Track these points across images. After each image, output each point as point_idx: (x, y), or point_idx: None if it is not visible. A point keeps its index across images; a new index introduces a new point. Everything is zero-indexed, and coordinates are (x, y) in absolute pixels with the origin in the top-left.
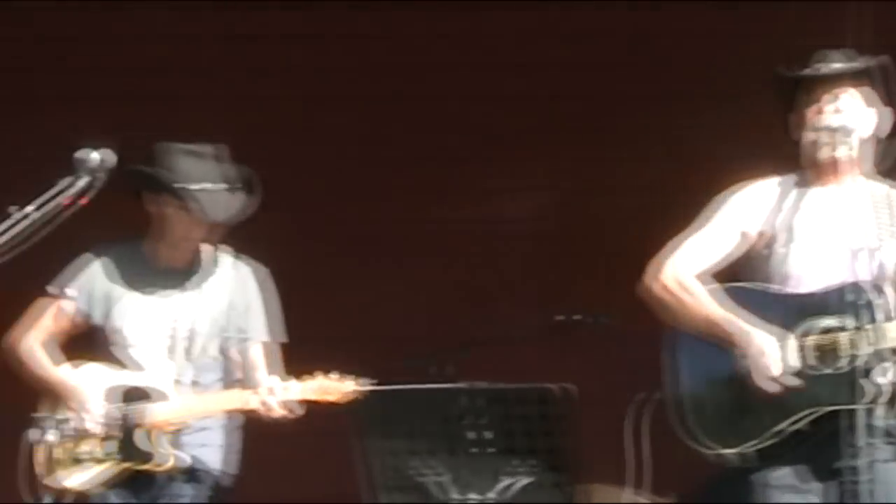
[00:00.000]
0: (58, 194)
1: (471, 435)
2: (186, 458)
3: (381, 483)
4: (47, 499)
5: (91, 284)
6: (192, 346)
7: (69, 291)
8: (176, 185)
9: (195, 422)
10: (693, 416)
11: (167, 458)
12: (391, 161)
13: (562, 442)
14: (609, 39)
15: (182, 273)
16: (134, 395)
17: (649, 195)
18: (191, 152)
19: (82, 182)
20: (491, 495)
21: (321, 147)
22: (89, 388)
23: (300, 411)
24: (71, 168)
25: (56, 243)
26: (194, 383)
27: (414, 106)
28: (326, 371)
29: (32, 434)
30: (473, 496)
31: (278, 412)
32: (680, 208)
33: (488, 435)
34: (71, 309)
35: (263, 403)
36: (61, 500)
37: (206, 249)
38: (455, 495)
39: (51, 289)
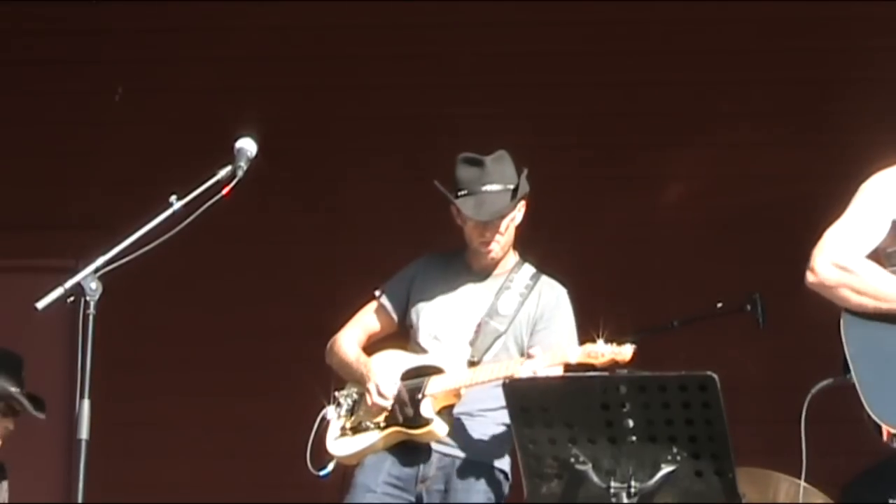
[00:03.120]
0: (216, 183)
1: (630, 423)
2: (448, 428)
3: (539, 471)
4: (329, 467)
5: (408, 287)
6: (484, 340)
7: (385, 293)
8: (459, 194)
9: (472, 408)
10: (872, 397)
11: (435, 423)
12: (545, 149)
13: (722, 429)
14: (762, 26)
15: (489, 277)
16: (422, 371)
17: (804, 183)
18: (469, 160)
19: (240, 171)
20: (651, 483)
21: (479, 135)
22: (384, 367)
23: None
24: (229, 158)
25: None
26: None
27: (562, 93)
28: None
29: (329, 410)
30: (634, 484)
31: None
32: (833, 196)
33: (648, 423)
34: (385, 309)
35: (525, 368)
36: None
37: (513, 259)
38: (615, 483)
39: (376, 292)
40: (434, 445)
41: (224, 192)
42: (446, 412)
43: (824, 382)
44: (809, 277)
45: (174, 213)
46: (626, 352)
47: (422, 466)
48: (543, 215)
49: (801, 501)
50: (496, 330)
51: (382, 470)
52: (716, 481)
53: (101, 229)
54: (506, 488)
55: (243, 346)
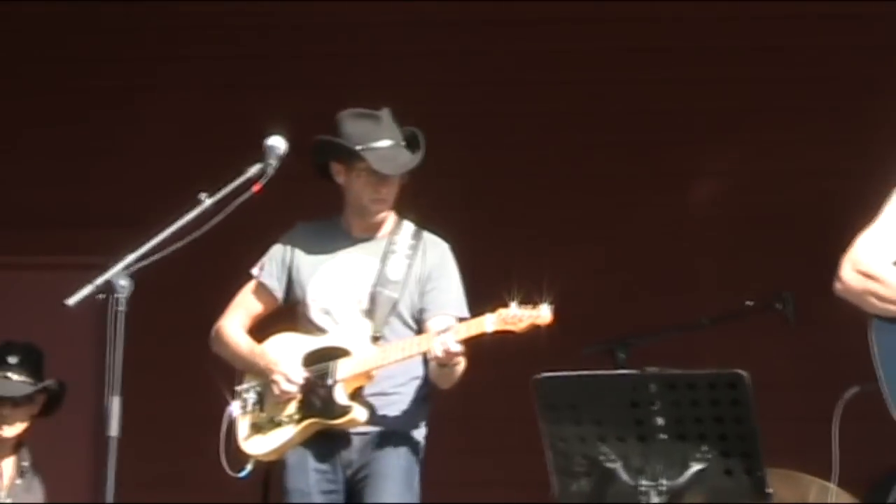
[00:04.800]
0: (246, 181)
1: (660, 421)
2: (367, 414)
3: (568, 469)
4: (248, 467)
5: (288, 262)
6: (379, 309)
7: (262, 271)
8: (357, 147)
9: (385, 387)
10: None
11: (353, 411)
12: (579, 146)
13: (752, 427)
14: (796, 23)
15: (371, 241)
16: (324, 355)
17: (838, 180)
18: (363, 115)
19: (270, 169)
20: (681, 481)
21: (514, 132)
22: (284, 354)
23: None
24: (259, 155)
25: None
26: (381, 344)
27: (602, 91)
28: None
29: (233, 407)
30: (664, 482)
31: (456, 349)
32: (868, 194)
33: (678, 420)
34: (266, 288)
35: (443, 343)
36: (263, 464)
37: (392, 219)
38: (644, 481)
39: (254, 271)
40: (351, 431)
41: (254, 189)
42: (358, 394)
43: (853, 390)
44: (836, 285)
45: (204, 210)
46: (544, 313)
47: (343, 453)
48: (577, 211)
49: None
50: (390, 298)
51: (308, 468)
52: (745, 480)
53: (130, 227)
54: (421, 455)
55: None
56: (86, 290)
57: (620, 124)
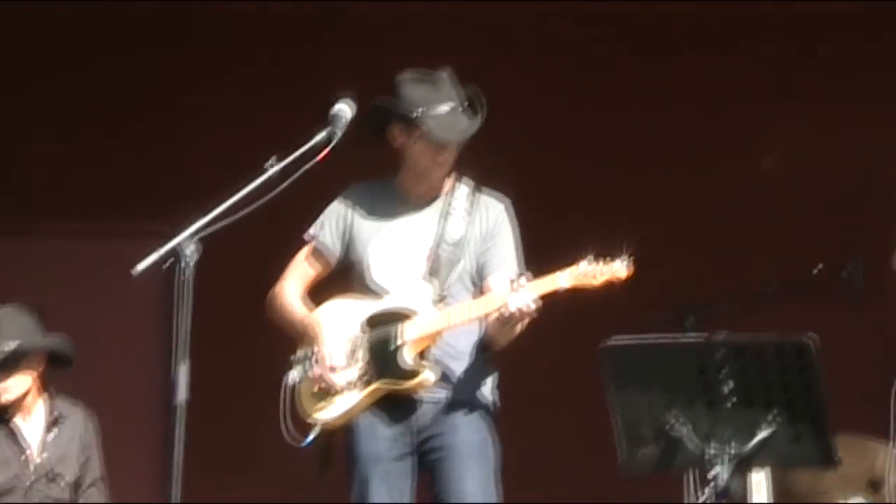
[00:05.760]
0: (313, 147)
1: (728, 387)
2: (439, 372)
3: (635, 436)
4: (312, 434)
5: (341, 224)
6: (441, 269)
7: (322, 234)
8: (415, 114)
9: (450, 347)
10: None
11: (423, 372)
12: (636, 117)
13: (819, 393)
14: None
15: (429, 203)
16: (387, 318)
17: None
18: (423, 79)
19: (337, 135)
20: (748, 447)
21: (582, 106)
22: (335, 321)
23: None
24: (325, 122)
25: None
26: (444, 305)
27: (662, 68)
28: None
29: (290, 376)
30: (731, 448)
31: (532, 307)
32: None
33: (745, 387)
34: (322, 251)
35: (518, 301)
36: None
37: (449, 180)
38: (712, 447)
39: (306, 235)
40: (420, 394)
41: (320, 156)
42: (424, 356)
43: None
44: (893, 263)
45: (271, 177)
46: (620, 268)
47: (413, 418)
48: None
49: None
50: (450, 258)
51: (378, 434)
52: (813, 446)
53: (195, 194)
54: (493, 422)
55: None
56: (152, 258)
57: (685, 95)
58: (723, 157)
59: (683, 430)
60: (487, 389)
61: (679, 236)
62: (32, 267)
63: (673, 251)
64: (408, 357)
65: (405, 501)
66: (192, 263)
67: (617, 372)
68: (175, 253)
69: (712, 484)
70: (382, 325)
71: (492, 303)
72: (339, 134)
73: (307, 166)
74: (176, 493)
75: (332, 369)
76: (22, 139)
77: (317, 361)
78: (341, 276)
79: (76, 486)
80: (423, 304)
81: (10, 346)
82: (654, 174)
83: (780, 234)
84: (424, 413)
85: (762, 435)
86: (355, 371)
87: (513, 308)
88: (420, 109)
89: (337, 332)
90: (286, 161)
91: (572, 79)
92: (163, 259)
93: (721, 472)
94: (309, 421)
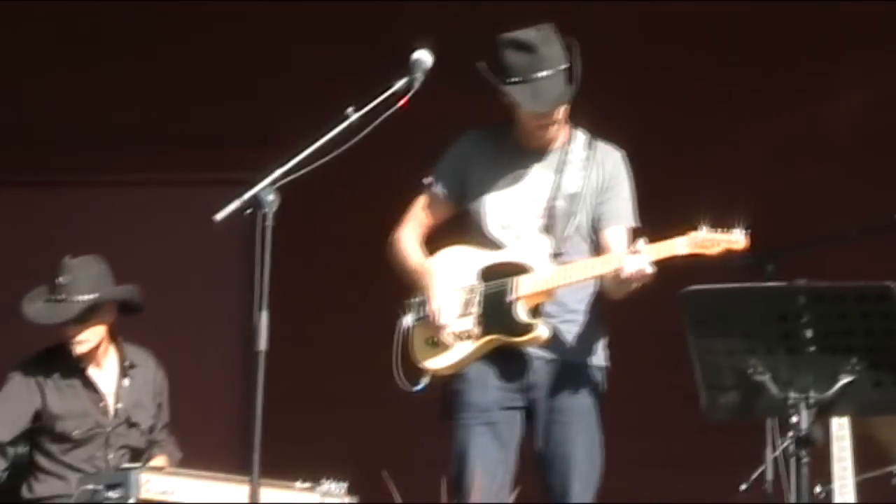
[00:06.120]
0: (392, 95)
1: (809, 333)
2: (550, 331)
3: (716, 382)
4: (423, 381)
5: (460, 171)
6: (557, 223)
7: (437, 180)
8: (507, 85)
9: (563, 304)
10: None
11: (536, 328)
12: (698, 61)
13: None
14: None
15: (545, 154)
16: (503, 270)
17: None
18: (519, 44)
19: (416, 83)
20: (830, 394)
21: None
22: (451, 270)
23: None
24: (405, 70)
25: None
26: (561, 260)
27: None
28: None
29: (404, 321)
30: (812, 395)
31: (648, 271)
32: None
33: (826, 333)
34: (441, 196)
35: (635, 264)
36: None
37: (565, 131)
38: (793, 394)
39: (425, 180)
40: (532, 351)
41: (400, 103)
42: (538, 311)
43: None
44: None
45: (350, 125)
46: (739, 238)
47: (525, 373)
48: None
49: None
50: (567, 211)
51: (489, 385)
52: (894, 392)
53: (273, 143)
54: (605, 385)
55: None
56: (233, 206)
57: (748, 41)
58: (805, 100)
59: (764, 377)
60: (599, 350)
61: (759, 182)
62: (113, 216)
63: (754, 194)
64: (521, 312)
65: (510, 454)
66: (272, 211)
67: (698, 318)
68: (255, 201)
69: (793, 431)
70: (498, 277)
71: (608, 263)
72: (420, 80)
73: (387, 114)
74: (257, 440)
75: (445, 319)
76: (103, 86)
77: (430, 310)
78: (458, 224)
79: (150, 431)
80: (540, 258)
81: (89, 298)
82: (736, 117)
83: (862, 179)
84: (536, 370)
85: (843, 381)
86: (468, 322)
87: (628, 271)
88: (514, 79)
89: (452, 281)
90: (366, 108)
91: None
92: (243, 207)
93: (802, 419)
94: (420, 367)
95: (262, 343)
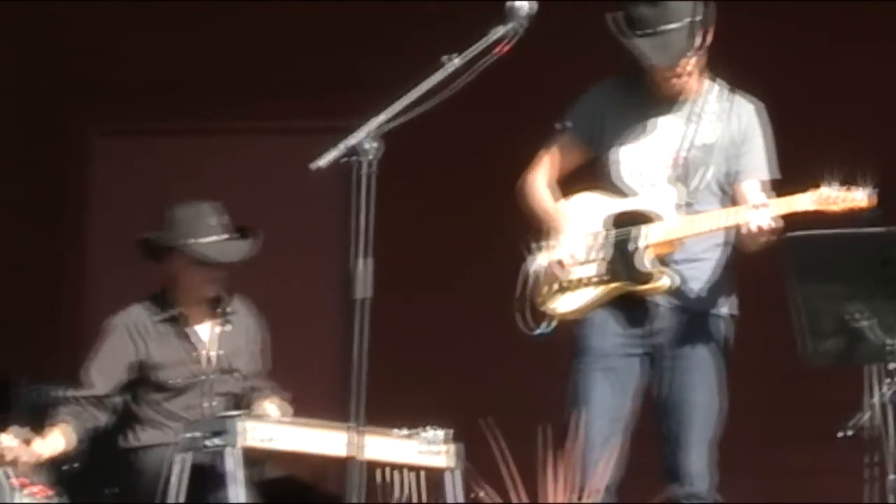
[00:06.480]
0: (490, 43)
1: None
2: (677, 279)
3: (817, 328)
4: (545, 325)
5: (593, 118)
6: (688, 174)
7: (571, 125)
8: (634, 34)
9: (690, 252)
10: None
11: (660, 277)
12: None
13: None
14: None
15: (680, 103)
16: (631, 218)
17: None
18: None
19: (511, 30)
20: None
21: None
22: (580, 215)
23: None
24: (501, 18)
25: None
26: (690, 210)
27: None
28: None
29: (532, 263)
30: None
31: (772, 226)
32: None
33: None
34: (574, 142)
35: (758, 219)
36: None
37: (700, 82)
38: (893, 340)
39: (558, 125)
40: (657, 298)
41: (497, 51)
42: (665, 260)
43: None
44: None
45: (453, 72)
46: (862, 196)
47: (648, 320)
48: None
49: None
50: (698, 163)
51: (609, 331)
52: None
53: (371, 90)
54: (732, 333)
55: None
56: (332, 154)
57: None
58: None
59: (865, 323)
60: (725, 299)
61: (860, 129)
62: (213, 164)
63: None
64: (647, 260)
65: (627, 400)
66: (372, 160)
67: (799, 263)
68: (355, 150)
69: (894, 377)
70: (626, 224)
71: (734, 216)
72: (518, 28)
73: (486, 61)
74: (359, 388)
75: (572, 263)
76: (204, 39)
77: (559, 253)
78: (590, 170)
79: (249, 378)
80: (668, 208)
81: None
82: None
83: None
84: (661, 318)
85: None
86: (594, 267)
87: (753, 226)
88: (641, 31)
89: (581, 226)
90: (464, 55)
91: None
92: (342, 155)
93: None
94: (544, 310)
95: (362, 291)
